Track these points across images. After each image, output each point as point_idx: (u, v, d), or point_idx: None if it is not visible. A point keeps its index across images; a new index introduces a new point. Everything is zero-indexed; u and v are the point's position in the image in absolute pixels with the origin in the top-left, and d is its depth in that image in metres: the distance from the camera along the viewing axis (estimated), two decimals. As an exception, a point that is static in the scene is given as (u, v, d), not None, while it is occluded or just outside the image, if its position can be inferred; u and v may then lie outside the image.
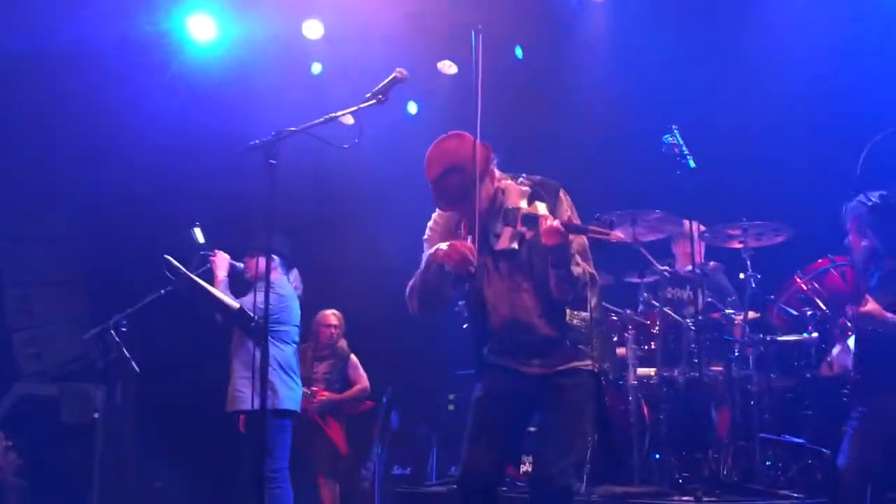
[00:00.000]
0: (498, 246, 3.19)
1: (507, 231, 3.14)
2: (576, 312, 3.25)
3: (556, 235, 2.99)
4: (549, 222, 3.01)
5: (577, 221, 3.20)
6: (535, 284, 3.23)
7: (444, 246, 3.15)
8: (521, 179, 3.27)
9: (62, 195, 6.89)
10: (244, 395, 4.78)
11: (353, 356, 6.57)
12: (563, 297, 3.18)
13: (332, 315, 6.53)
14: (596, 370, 3.26)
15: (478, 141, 3.21)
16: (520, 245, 3.17)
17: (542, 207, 3.10)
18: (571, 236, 3.09)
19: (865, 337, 4.04)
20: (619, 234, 3.00)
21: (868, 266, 3.99)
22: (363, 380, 6.55)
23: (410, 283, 3.35)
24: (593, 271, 3.26)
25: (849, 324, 4.45)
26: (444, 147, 3.25)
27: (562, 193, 3.29)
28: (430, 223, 3.46)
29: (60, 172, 6.78)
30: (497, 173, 3.33)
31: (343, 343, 6.57)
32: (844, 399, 4.49)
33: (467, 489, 3.25)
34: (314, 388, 6.34)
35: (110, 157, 6.77)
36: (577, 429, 3.21)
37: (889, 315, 3.84)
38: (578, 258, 3.13)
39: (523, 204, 3.15)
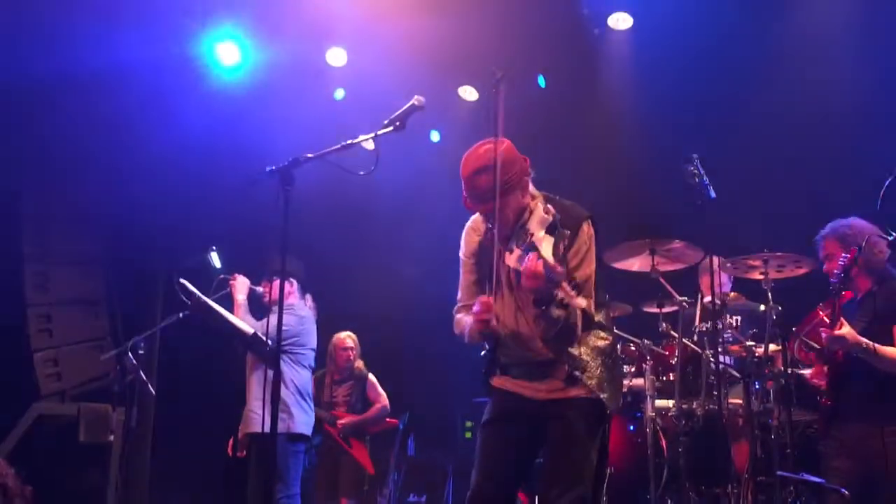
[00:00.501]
0: (507, 261, 3.17)
1: (517, 251, 3.12)
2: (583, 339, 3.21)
3: (533, 279, 2.95)
4: (532, 262, 2.95)
5: (582, 258, 3.18)
6: None
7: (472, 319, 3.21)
8: (548, 206, 3.21)
9: (86, 216, 6.95)
10: (258, 416, 4.77)
11: (370, 375, 6.64)
12: (543, 335, 3.16)
13: (347, 337, 6.60)
14: (595, 398, 3.19)
15: (517, 154, 3.25)
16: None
17: (547, 242, 3.05)
18: (575, 271, 3.11)
19: (838, 361, 3.98)
20: (580, 303, 2.95)
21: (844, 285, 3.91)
22: (383, 398, 6.61)
23: (457, 323, 3.43)
24: (589, 310, 3.16)
25: None
26: (482, 149, 3.26)
27: (585, 225, 3.25)
28: (461, 241, 3.52)
29: (85, 194, 6.84)
30: (533, 190, 3.32)
31: (360, 364, 6.63)
32: (814, 428, 4.42)
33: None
34: (335, 412, 6.41)
35: (133, 180, 6.83)
36: (580, 461, 3.15)
37: (863, 339, 3.80)
38: (568, 293, 2.93)
39: (539, 230, 3.12)
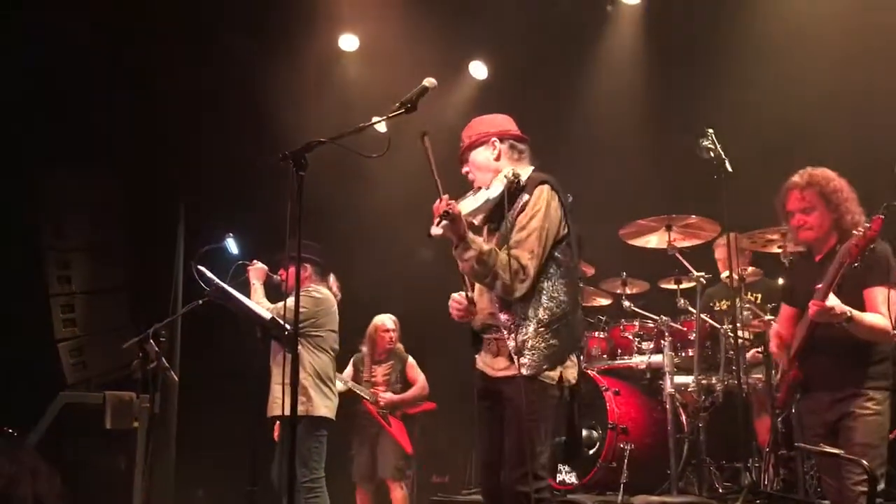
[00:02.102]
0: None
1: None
2: (518, 313, 3.36)
3: (436, 211, 3.25)
4: (439, 202, 3.26)
5: (529, 219, 3.37)
6: None
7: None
8: (515, 173, 3.49)
9: (108, 203, 7.01)
10: (278, 400, 4.81)
11: (409, 357, 6.69)
12: (467, 274, 3.40)
13: (389, 319, 6.63)
14: (533, 375, 3.30)
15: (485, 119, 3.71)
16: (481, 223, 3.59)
17: (480, 196, 3.47)
18: (519, 223, 3.37)
19: (812, 334, 3.67)
20: (435, 231, 3.25)
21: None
22: (422, 379, 6.63)
23: None
24: (525, 263, 3.33)
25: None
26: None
27: (538, 189, 3.43)
28: None
29: (110, 180, 6.91)
30: (516, 163, 3.60)
31: (400, 346, 6.69)
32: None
33: (482, 494, 3.60)
34: (374, 391, 6.46)
35: (155, 166, 6.90)
36: (524, 440, 3.27)
37: (847, 308, 3.49)
38: (474, 239, 3.31)
39: (484, 189, 3.50)
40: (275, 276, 5.26)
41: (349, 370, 6.61)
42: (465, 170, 3.67)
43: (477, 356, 3.59)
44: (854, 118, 6.22)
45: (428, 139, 3.34)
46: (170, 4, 6.39)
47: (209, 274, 4.27)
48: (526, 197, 3.41)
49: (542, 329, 3.33)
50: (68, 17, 6.24)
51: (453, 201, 3.31)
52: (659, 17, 7.03)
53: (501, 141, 3.61)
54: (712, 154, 4.95)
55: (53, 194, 6.80)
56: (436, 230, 3.26)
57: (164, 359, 4.86)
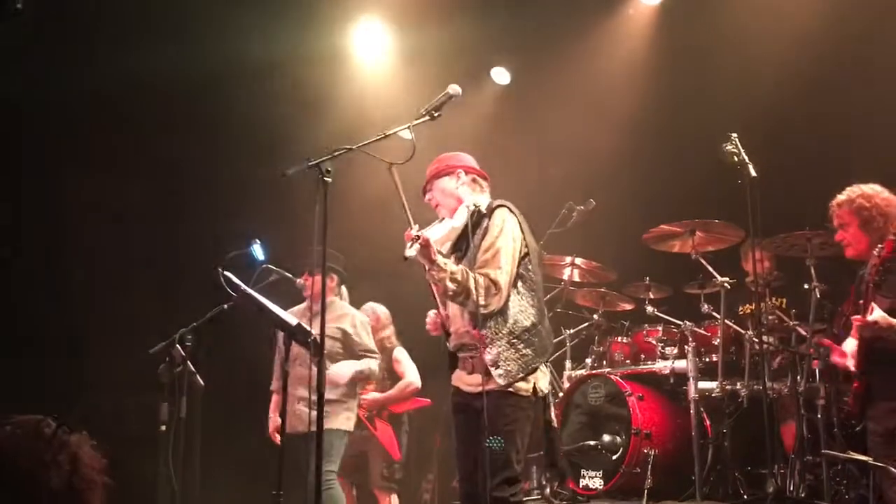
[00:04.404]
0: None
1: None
2: (492, 328, 3.63)
3: (406, 239, 3.57)
4: (409, 230, 3.58)
5: (493, 239, 3.69)
6: None
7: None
8: (476, 206, 3.84)
9: (134, 206, 7.07)
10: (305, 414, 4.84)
11: (398, 349, 6.21)
12: (441, 294, 3.72)
13: (368, 307, 6.12)
14: (507, 390, 3.59)
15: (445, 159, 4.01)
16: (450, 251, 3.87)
17: (445, 223, 3.81)
18: (483, 246, 3.70)
19: (869, 346, 3.77)
20: (408, 253, 3.54)
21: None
22: (410, 374, 6.14)
23: None
24: (496, 279, 3.61)
25: None
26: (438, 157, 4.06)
27: (496, 211, 3.77)
28: None
29: (135, 186, 6.97)
30: (465, 188, 3.94)
31: (388, 336, 6.22)
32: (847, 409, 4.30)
33: None
34: (361, 392, 5.86)
35: (182, 169, 6.96)
36: (503, 449, 3.54)
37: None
38: (441, 263, 3.61)
39: (456, 217, 3.82)
40: (298, 280, 5.29)
41: None
42: (427, 197, 3.99)
43: (452, 374, 3.90)
44: (886, 122, 6.15)
45: (395, 170, 3.63)
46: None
47: (235, 279, 4.29)
48: (486, 221, 3.75)
49: (514, 340, 3.63)
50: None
51: (422, 230, 3.64)
52: (679, 18, 7.00)
53: (466, 174, 3.94)
54: (736, 159, 4.93)
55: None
56: (409, 252, 3.55)
57: (190, 363, 4.89)
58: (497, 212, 3.77)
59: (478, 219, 3.80)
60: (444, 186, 3.93)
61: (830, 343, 4.12)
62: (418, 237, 3.55)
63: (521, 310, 3.68)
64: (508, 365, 3.59)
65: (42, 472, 1.84)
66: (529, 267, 3.75)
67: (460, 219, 3.81)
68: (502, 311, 3.64)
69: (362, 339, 5.31)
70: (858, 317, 3.67)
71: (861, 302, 3.69)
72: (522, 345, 3.63)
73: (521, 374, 3.61)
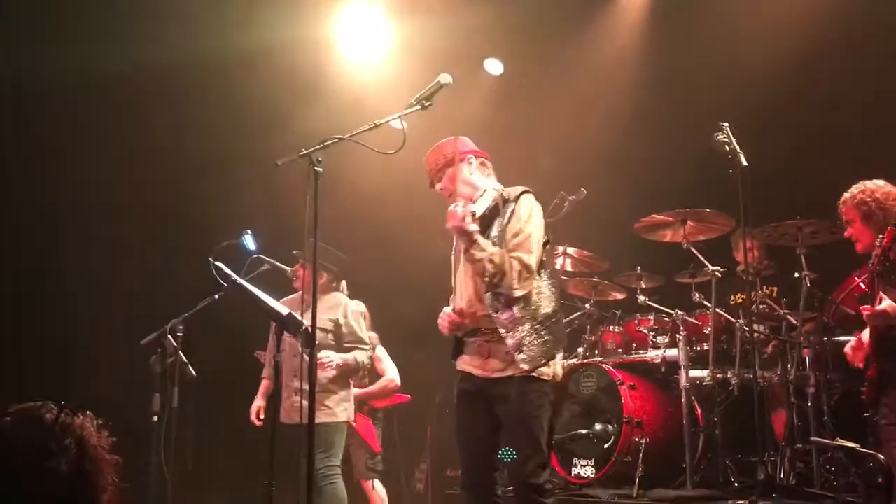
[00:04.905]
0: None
1: None
2: (516, 312, 3.59)
3: (451, 219, 3.58)
4: (451, 208, 3.59)
5: (522, 224, 3.67)
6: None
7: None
8: (500, 188, 3.84)
9: (124, 201, 7.05)
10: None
11: (379, 347, 6.38)
12: (478, 277, 3.63)
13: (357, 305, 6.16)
14: (530, 375, 3.56)
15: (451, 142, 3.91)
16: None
17: (482, 204, 3.73)
18: (512, 230, 3.65)
19: (882, 335, 3.85)
20: (465, 210, 3.57)
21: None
22: (390, 372, 6.36)
23: None
24: (529, 263, 3.60)
25: None
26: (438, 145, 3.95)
27: (523, 197, 3.75)
28: None
29: (124, 176, 6.94)
30: (494, 181, 3.93)
31: (372, 335, 6.15)
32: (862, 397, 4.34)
33: (462, 495, 3.78)
34: None
35: (167, 162, 6.93)
36: (530, 434, 3.56)
37: None
38: (484, 245, 3.59)
39: (482, 200, 3.76)
40: (290, 270, 5.28)
41: None
42: (439, 187, 3.91)
43: (458, 360, 3.83)
44: (879, 112, 6.17)
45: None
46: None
47: (226, 269, 4.28)
48: (512, 206, 3.72)
49: (537, 326, 3.60)
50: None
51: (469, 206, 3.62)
52: (670, 8, 6.99)
53: (475, 158, 3.91)
54: (727, 148, 4.93)
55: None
56: (462, 209, 3.58)
57: (181, 353, 4.89)
58: (524, 197, 3.74)
59: (504, 203, 3.77)
60: (460, 175, 3.85)
61: (859, 336, 4.16)
62: (473, 213, 3.57)
63: (545, 296, 3.67)
64: (532, 350, 3.56)
65: (49, 460, 1.82)
66: (549, 254, 3.81)
67: (485, 203, 3.77)
68: (527, 297, 3.61)
69: (352, 329, 5.26)
70: (867, 307, 3.70)
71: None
72: (545, 331, 3.61)
73: (544, 360, 3.58)
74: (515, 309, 3.59)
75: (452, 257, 3.94)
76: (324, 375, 4.99)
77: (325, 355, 4.99)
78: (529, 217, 3.69)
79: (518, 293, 3.58)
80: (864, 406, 4.99)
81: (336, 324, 5.26)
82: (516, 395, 3.54)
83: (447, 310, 3.82)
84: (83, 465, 1.86)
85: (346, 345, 5.22)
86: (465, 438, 3.75)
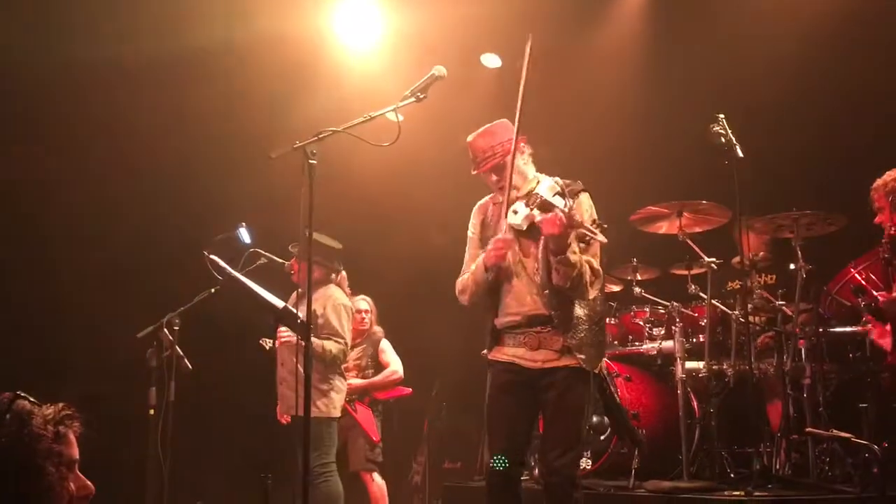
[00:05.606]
0: (510, 220, 3.60)
1: (524, 211, 3.55)
2: (574, 306, 3.58)
3: (557, 226, 3.37)
4: (556, 213, 3.37)
5: (583, 220, 3.50)
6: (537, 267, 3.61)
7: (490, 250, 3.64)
8: (556, 179, 3.66)
9: (117, 194, 7.04)
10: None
11: (384, 340, 6.46)
12: (562, 282, 3.51)
13: (361, 300, 6.38)
14: (582, 367, 3.57)
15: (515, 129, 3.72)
16: (528, 227, 3.58)
17: (560, 202, 3.44)
18: (586, 237, 3.51)
19: None
20: (602, 239, 3.42)
21: None
22: (394, 364, 6.39)
23: (461, 282, 3.87)
24: (598, 268, 3.61)
25: None
26: (488, 129, 3.82)
27: (583, 196, 3.69)
28: (470, 221, 3.98)
29: (118, 169, 6.93)
30: (530, 163, 3.84)
31: (376, 329, 6.48)
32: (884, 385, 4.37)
33: (489, 484, 3.71)
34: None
35: (160, 154, 6.91)
36: (573, 425, 3.58)
37: None
38: (591, 230, 3.43)
39: (549, 194, 3.49)
40: (287, 264, 5.27)
41: None
42: (494, 178, 3.77)
43: (495, 350, 3.77)
44: (877, 103, 6.17)
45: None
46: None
47: (221, 262, 4.28)
48: (571, 203, 3.48)
49: (594, 327, 3.63)
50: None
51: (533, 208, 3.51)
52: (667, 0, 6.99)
53: (525, 145, 3.83)
54: (723, 140, 4.93)
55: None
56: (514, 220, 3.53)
57: (177, 347, 4.89)
58: (583, 196, 3.69)
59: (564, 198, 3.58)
60: (520, 166, 3.75)
61: (872, 319, 4.17)
62: (570, 214, 3.36)
63: (601, 298, 3.70)
64: (590, 350, 3.59)
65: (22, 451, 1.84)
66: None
67: (549, 196, 3.53)
68: (592, 300, 3.63)
69: (328, 321, 5.21)
70: (883, 293, 3.74)
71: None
72: (598, 331, 3.67)
73: (597, 360, 3.63)
74: (572, 308, 3.58)
75: (506, 266, 3.69)
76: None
77: (284, 330, 4.95)
78: (592, 219, 3.60)
79: (591, 296, 3.60)
80: (859, 397, 5.04)
81: (315, 315, 5.25)
82: (564, 388, 3.57)
83: (501, 235, 3.63)
84: (23, 437, 1.88)
85: (322, 335, 5.19)
86: (506, 427, 3.68)
